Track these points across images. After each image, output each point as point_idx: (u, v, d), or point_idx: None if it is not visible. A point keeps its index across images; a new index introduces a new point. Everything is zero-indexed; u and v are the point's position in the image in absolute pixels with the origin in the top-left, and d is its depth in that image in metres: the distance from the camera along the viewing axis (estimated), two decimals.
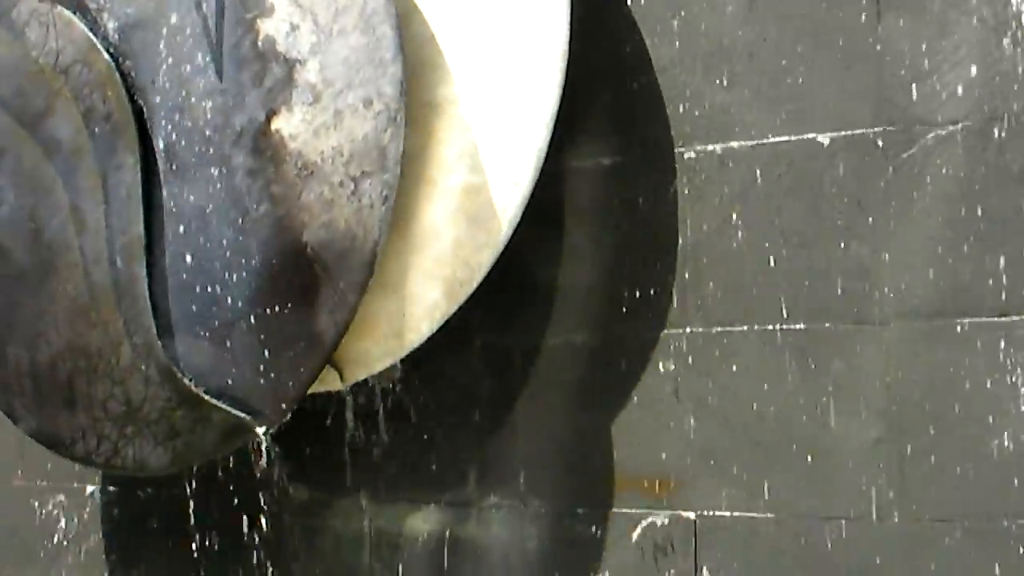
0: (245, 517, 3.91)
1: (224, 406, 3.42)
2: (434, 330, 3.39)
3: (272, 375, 3.39)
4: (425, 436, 3.68)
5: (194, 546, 4.00)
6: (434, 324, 3.38)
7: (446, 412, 3.66)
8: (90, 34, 3.61)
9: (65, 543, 4.35)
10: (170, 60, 3.52)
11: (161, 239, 3.52)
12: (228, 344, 3.44)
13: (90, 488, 4.30)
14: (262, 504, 3.90)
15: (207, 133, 3.46)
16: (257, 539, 3.92)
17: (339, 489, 3.82)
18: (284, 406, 3.38)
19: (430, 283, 3.36)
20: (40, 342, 3.67)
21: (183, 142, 3.50)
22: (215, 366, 3.45)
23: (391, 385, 3.66)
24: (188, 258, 3.48)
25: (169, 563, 4.10)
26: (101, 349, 3.58)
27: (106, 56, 3.58)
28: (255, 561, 3.91)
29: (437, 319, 3.38)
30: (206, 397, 3.44)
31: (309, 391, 3.43)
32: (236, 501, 3.92)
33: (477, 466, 3.62)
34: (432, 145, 3.38)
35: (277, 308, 3.37)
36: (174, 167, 3.51)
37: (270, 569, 3.90)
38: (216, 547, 3.97)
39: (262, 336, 3.39)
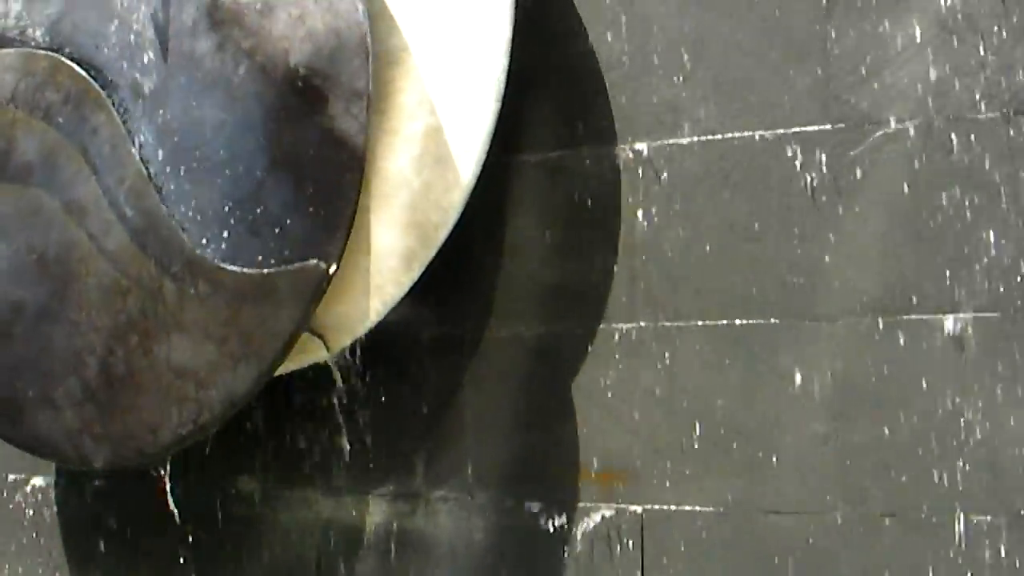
0: (196, 510, 3.90)
1: (284, 268, 3.32)
2: (414, 280, 3.36)
3: (318, 208, 3.29)
4: (373, 429, 3.68)
5: (144, 541, 4.01)
6: (413, 275, 3.35)
7: (394, 405, 3.65)
8: (20, 49, 3.64)
9: (28, 534, 4.32)
10: (107, 24, 3.55)
11: (159, 163, 3.47)
12: (263, 210, 3.35)
13: (41, 480, 4.28)
14: (210, 496, 3.89)
15: (163, 50, 3.46)
16: (206, 530, 3.91)
17: (287, 481, 3.82)
18: (339, 234, 3.28)
19: (405, 232, 3.34)
20: (84, 358, 3.55)
21: (145, 74, 3.50)
22: (256, 244, 3.37)
23: (340, 378, 3.65)
24: (194, 163, 3.43)
25: (125, 555, 4.08)
26: (144, 309, 3.46)
27: (44, 53, 3.60)
28: (201, 555, 3.91)
29: (416, 269, 3.35)
30: (264, 270, 3.32)
31: (296, 366, 3.44)
32: (184, 493, 3.90)
33: (425, 458, 3.62)
34: (391, 95, 3.37)
35: (296, 143, 3.32)
36: (146, 100, 3.49)
37: (217, 561, 3.89)
38: (166, 540, 3.96)
39: (295, 179, 3.32)
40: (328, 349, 3.46)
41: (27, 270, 3.64)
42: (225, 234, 3.38)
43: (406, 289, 3.37)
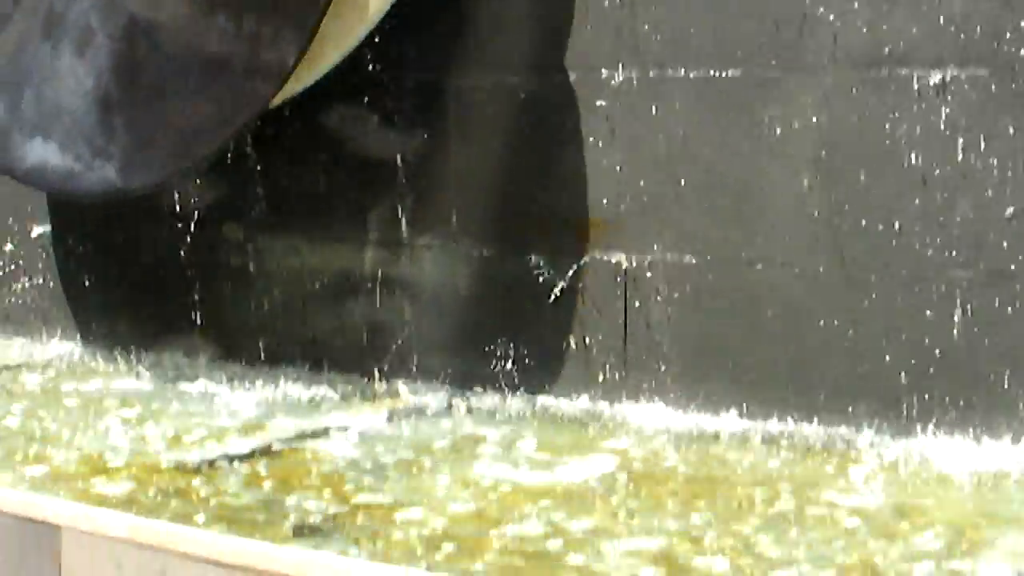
0: (181, 254, 3.93)
1: None
2: None
3: None
4: (358, 176, 3.68)
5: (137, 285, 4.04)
6: None
7: (377, 152, 3.64)
8: None
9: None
10: None
11: None
12: None
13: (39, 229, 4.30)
14: (195, 243, 3.91)
15: None
16: (191, 277, 3.94)
17: (272, 228, 3.83)
18: None
19: None
20: None
21: None
22: None
23: (319, 115, 3.62)
24: None
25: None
26: None
27: None
28: (191, 299, 3.94)
29: None
30: None
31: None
32: (170, 240, 3.92)
33: (409, 206, 3.63)
34: None
35: None
36: None
37: (206, 305, 3.93)
38: (152, 283, 4.00)
39: None
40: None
41: None
42: None
43: None
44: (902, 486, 2.82)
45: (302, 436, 3.21)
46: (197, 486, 2.85)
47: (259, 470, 2.96)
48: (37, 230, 4.28)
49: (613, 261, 3.40)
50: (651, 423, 3.29)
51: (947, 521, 2.60)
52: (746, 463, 2.99)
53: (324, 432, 3.24)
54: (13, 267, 4.34)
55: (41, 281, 4.29)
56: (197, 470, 2.95)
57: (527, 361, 3.49)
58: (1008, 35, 2.96)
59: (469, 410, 3.45)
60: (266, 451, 3.10)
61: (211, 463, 3.00)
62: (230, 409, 3.48)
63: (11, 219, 4.33)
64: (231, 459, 3.03)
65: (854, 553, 2.44)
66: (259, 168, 3.77)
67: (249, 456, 3.06)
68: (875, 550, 2.45)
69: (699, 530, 2.56)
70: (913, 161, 3.06)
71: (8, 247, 4.35)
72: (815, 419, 3.18)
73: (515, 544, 2.51)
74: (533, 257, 3.48)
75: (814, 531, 2.55)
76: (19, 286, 4.33)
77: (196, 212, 3.81)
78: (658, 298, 3.35)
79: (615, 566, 2.39)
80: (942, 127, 3.03)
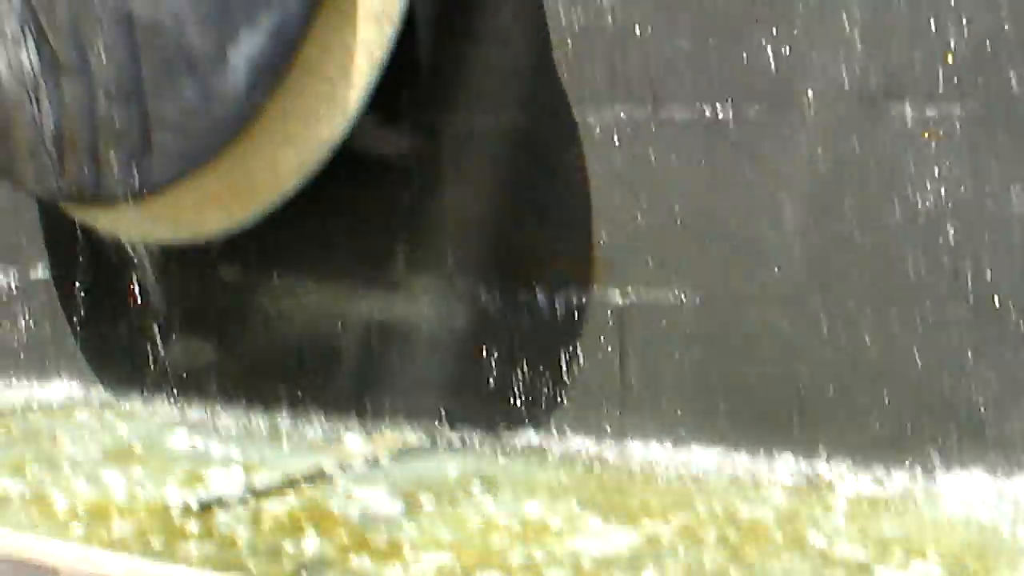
0: (179, 298, 3.93)
1: None
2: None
3: None
4: (355, 216, 3.69)
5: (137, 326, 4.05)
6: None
7: (376, 192, 3.66)
8: None
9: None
10: None
11: None
12: None
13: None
14: (192, 282, 3.92)
15: None
16: (187, 316, 3.94)
17: (269, 270, 3.84)
18: None
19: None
20: None
21: None
22: None
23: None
24: None
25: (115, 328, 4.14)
26: None
27: None
28: (189, 341, 3.95)
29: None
30: None
31: None
32: (169, 278, 3.93)
33: (406, 246, 3.64)
34: None
35: None
36: None
37: (204, 348, 3.93)
38: (156, 328, 4.01)
39: None
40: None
41: None
42: None
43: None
44: (902, 522, 2.83)
45: (296, 478, 3.20)
46: (193, 528, 2.85)
47: (255, 512, 2.96)
48: (36, 272, 4.30)
49: (609, 299, 3.41)
50: (648, 460, 3.29)
51: (948, 555, 2.60)
52: (748, 501, 2.99)
53: (320, 473, 3.24)
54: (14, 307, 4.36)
55: (40, 323, 4.30)
56: (192, 512, 2.95)
57: (523, 398, 3.49)
58: (1000, 70, 2.97)
59: (463, 447, 3.46)
60: (263, 493, 3.10)
61: (206, 505, 2.99)
62: (223, 451, 3.48)
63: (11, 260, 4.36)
64: (226, 501, 3.03)
65: None
66: None
67: (245, 498, 3.06)
68: None
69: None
70: (908, 197, 3.07)
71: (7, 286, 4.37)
72: (813, 455, 3.19)
73: None
74: (529, 295, 3.48)
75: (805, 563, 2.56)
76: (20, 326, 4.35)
77: (192, 252, 3.82)
78: (653, 335, 3.36)
79: None
80: (936, 162, 3.04)
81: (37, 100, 3.64)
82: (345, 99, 3.39)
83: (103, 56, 3.51)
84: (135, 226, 3.72)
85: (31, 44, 3.62)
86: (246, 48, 3.35)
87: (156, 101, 3.46)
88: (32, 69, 3.64)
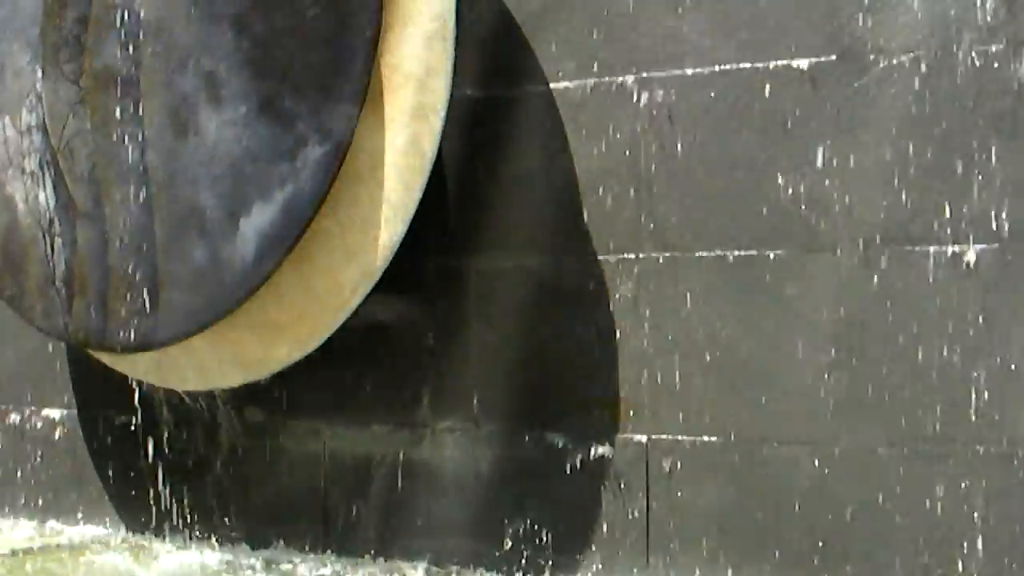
0: (202, 438, 3.94)
1: None
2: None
3: None
4: (379, 359, 3.70)
5: (159, 466, 4.04)
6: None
7: (400, 335, 3.67)
8: None
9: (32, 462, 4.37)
10: None
11: None
12: None
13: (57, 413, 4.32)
14: (219, 425, 3.92)
15: None
16: (214, 460, 3.94)
17: (293, 411, 3.85)
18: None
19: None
20: None
21: None
22: None
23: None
24: None
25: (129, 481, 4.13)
26: None
27: None
28: (213, 482, 3.94)
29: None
30: None
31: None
32: (194, 423, 3.94)
33: (431, 389, 3.64)
34: None
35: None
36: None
37: (227, 489, 3.92)
38: (179, 468, 4.00)
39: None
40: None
41: None
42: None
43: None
44: None
45: None
46: None
47: None
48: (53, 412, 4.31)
49: (633, 441, 3.39)
50: None
51: None
52: None
53: None
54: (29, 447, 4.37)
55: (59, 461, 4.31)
56: None
57: (548, 542, 3.47)
58: (1021, 210, 2.99)
59: None
60: None
61: None
62: None
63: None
64: None
65: None
66: None
67: None
68: None
69: None
70: (932, 337, 3.06)
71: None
72: None
73: None
74: (554, 438, 3.48)
75: None
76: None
77: (217, 394, 3.83)
78: (679, 477, 3.34)
79: None
80: (959, 301, 3.04)
81: (51, 238, 3.68)
82: (402, 200, 3.38)
83: (118, 206, 3.56)
84: (173, 373, 3.72)
85: (49, 184, 3.67)
86: (257, 219, 3.38)
87: (166, 257, 3.49)
88: (48, 208, 3.68)
